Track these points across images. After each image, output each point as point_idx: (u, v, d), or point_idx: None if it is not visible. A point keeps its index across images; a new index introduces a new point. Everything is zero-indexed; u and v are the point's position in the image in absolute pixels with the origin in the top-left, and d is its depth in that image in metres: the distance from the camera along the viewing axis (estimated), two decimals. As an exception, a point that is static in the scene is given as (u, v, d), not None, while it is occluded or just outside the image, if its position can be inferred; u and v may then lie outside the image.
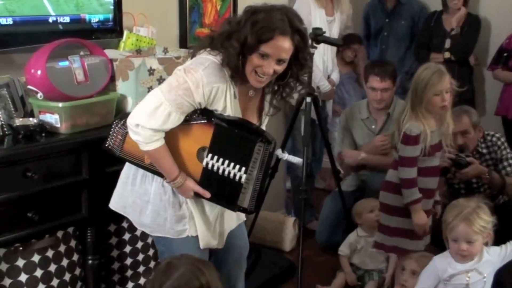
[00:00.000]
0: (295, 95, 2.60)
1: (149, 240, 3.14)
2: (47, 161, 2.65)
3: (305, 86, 2.71)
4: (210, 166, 2.45)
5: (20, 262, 2.65)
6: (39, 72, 2.66)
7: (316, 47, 3.78)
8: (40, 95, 2.70)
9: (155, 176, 2.51)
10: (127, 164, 2.61)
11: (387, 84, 4.02)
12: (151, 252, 3.16)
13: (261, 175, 2.47)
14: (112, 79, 2.94)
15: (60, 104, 2.69)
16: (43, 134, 2.68)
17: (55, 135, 2.72)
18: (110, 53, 3.02)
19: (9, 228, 2.56)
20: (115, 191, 2.65)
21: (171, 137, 2.43)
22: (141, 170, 2.54)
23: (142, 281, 3.15)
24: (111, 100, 2.92)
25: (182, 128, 2.42)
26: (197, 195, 2.49)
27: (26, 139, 2.62)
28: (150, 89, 2.94)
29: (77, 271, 2.90)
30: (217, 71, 2.36)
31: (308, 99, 3.86)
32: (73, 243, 2.86)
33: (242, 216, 2.78)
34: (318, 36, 3.70)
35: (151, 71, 2.95)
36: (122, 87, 2.94)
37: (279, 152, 4.15)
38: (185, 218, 2.52)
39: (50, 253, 2.74)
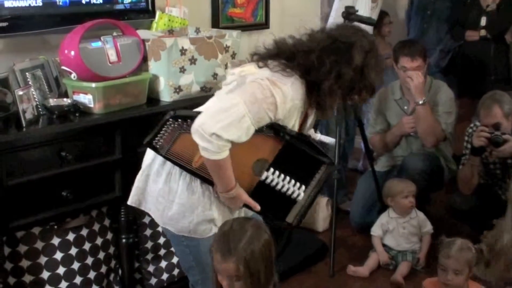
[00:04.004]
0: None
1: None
2: (81, 141, 2.68)
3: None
4: (269, 180, 2.36)
5: (55, 241, 2.69)
6: (72, 53, 2.69)
7: (349, 26, 3.74)
8: (73, 75, 2.72)
9: (182, 174, 2.32)
10: (148, 157, 2.43)
11: (418, 62, 3.96)
12: (184, 231, 3.19)
13: (313, 194, 2.43)
14: (144, 59, 2.95)
15: (93, 85, 2.71)
16: (77, 114, 2.71)
17: (89, 115, 2.74)
18: (142, 33, 3.04)
19: (45, 207, 2.61)
20: (135, 187, 2.44)
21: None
22: (166, 167, 2.34)
23: (175, 259, 3.18)
24: (144, 80, 2.93)
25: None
26: (245, 206, 2.37)
27: (60, 119, 2.66)
28: (182, 69, 2.94)
29: (111, 250, 2.93)
30: (300, 88, 2.28)
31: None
32: (107, 222, 2.90)
33: None
34: (351, 15, 3.66)
35: (183, 51, 2.95)
36: (154, 67, 2.95)
37: (311, 132, 4.14)
38: (213, 219, 2.35)
39: (84, 232, 2.78)
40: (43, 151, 2.56)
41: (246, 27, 4.05)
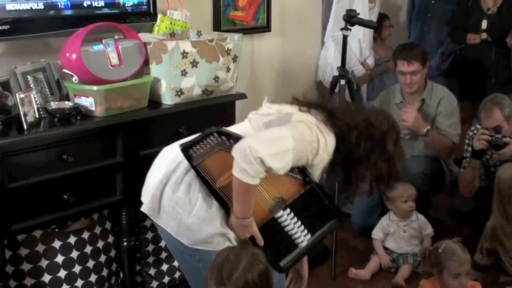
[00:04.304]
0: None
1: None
2: (82, 144, 2.68)
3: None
4: (281, 219, 2.39)
5: (57, 244, 2.70)
6: (74, 56, 2.68)
7: (350, 29, 3.74)
8: (75, 78, 2.72)
9: (202, 187, 2.30)
10: (165, 165, 2.39)
11: (415, 67, 3.96)
12: (185, 234, 3.19)
13: (312, 244, 2.46)
14: (146, 62, 2.95)
15: (94, 88, 2.71)
16: (78, 118, 2.71)
17: (90, 118, 2.74)
18: (144, 36, 3.04)
19: (46, 210, 2.61)
20: (150, 194, 2.39)
21: None
22: (187, 177, 2.32)
23: (176, 263, 3.18)
24: (145, 83, 2.93)
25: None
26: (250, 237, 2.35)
27: (61, 122, 2.65)
28: (183, 72, 2.95)
29: (112, 253, 2.94)
30: (334, 146, 2.34)
31: (342, 82, 3.84)
32: (108, 225, 2.90)
33: None
34: (352, 18, 3.67)
35: (184, 54, 2.95)
36: (155, 70, 2.95)
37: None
38: (228, 233, 2.33)
39: (85, 235, 2.78)
40: (45, 154, 2.57)
41: (247, 30, 4.05)
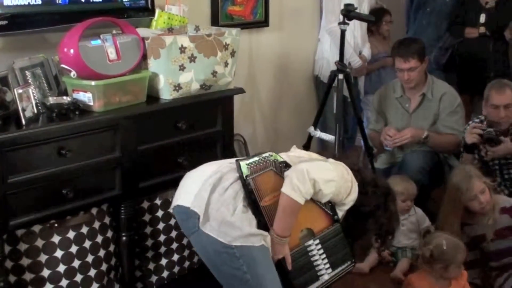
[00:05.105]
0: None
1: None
2: (81, 139, 2.68)
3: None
4: (310, 248, 2.60)
5: (56, 239, 2.70)
6: (72, 51, 2.69)
7: (348, 24, 3.75)
8: (73, 73, 2.72)
9: (244, 196, 2.49)
10: (211, 174, 2.55)
11: (412, 63, 3.95)
12: (184, 229, 3.19)
13: (330, 280, 2.65)
14: (144, 57, 2.95)
15: (93, 83, 2.71)
16: (77, 113, 2.71)
17: (88, 113, 2.74)
18: (142, 31, 3.04)
19: (45, 205, 2.62)
20: (196, 192, 2.51)
21: None
22: (235, 185, 2.50)
23: (175, 257, 3.19)
24: (143, 78, 2.93)
25: (310, 204, 2.54)
26: (278, 262, 2.53)
27: (60, 117, 2.66)
28: (181, 67, 2.95)
29: (111, 248, 2.94)
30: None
31: (340, 76, 3.84)
32: (107, 219, 2.91)
33: None
34: (350, 13, 3.67)
35: (182, 49, 2.95)
36: (153, 65, 2.96)
37: (311, 129, 4.16)
38: (265, 236, 2.48)
39: (84, 230, 2.79)
40: (43, 149, 2.57)
41: (245, 25, 4.06)
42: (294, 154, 2.74)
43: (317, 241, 2.61)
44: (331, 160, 2.66)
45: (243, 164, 2.53)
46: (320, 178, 2.42)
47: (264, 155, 2.62)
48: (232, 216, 2.43)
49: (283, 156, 2.66)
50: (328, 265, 2.63)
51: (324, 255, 2.62)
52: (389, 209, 2.72)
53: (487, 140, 3.63)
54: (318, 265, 2.61)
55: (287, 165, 2.55)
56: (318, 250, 2.61)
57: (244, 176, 2.49)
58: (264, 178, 2.52)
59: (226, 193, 2.48)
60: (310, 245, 2.59)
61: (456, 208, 3.27)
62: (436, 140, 4.01)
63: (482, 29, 4.89)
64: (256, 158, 2.59)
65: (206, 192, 2.49)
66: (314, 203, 2.57)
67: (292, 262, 2.53)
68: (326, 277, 2.62)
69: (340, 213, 2.67)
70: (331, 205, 2.63)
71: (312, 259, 2.59)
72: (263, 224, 2.46)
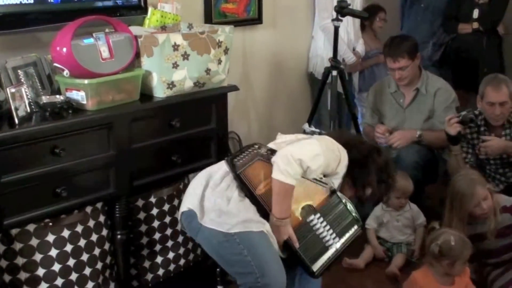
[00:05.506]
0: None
1: (177, 215, 3.17)
2: (74, 137, 2.68)
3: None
4: (313, 223, 2.67)
5: (50, 238, 2.70)
6: (64, 49, 2.68)
7: (341, 20, 3.75)
8: (66, 72, 2.72)
9: (238, 187, 2.61)
10: (205, 174, 2.72)
11: (402, 63, 3.96)
12: (179, 226, 3.18)
13: (340, 250, 2.72)
14: (137, 55, 2.95)
15: (86, 81, 2.71)
16: (70, 111, 2.70)
17: (82, 112, 2.74)
18: (134, 30, 3.03)
19: (39, 204, 2.62)
20: (191, 193, 2.67)
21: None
22: (227, 178, 2.64)
23: (171, 255, 3.19)
24: (137, 76, 2.93)
25: (304, 182, 2.63)
26: (285, 243, 2.60)
27: (53, 116, 2.65)
28: (175, 64, 2.95)
29: (106, 246, 2.94)
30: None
31: (334, 73, 3.85)
32: (101, 218, 2.90)
33: None
34: (344, 9, 3.67)
35: (175, 47, 2.95)
36: (147, 63, 2.95)
37: (305, 126, 4.16)
38: (264, 222, 2.58)
39: (79, 228, 2.78)
40: (36, 148, 2.57)
41: (239, 23, 4.06)
42: (281, 140, 2.82)
43: (318, 215, 2.68)
44: (315, 136, 2.78)
45: (229, 161, 2.63)
46: (305, 156, 2.51)
47: (249, 148, 2.73)
48: (228, 205, 2.55)
49: (271, 145, 2.76)
50: (334, 235, 2.70)
51: (328, 226, 2.69)
52: (382, 153, 2.83)
53: (470, 121, 3.66)
54: (325, 236, 2.68)
55: (273, 152, 2.63)
56: (321, 223, 2.68)
57: (234, 172, 2.59)
58: (253, 169, 2.62)
59: (219, 187, 2.61)
60: (312, 220, 2.67)
61: (460, 214, 3.26)
62: (430, 137, 4.02)
63: (476, 25, 4.90)
64: (242, 153, 2.70)
65: (199, 189, 2.63)
66: (309, 180, 2.65)
67: (298, 239, 2.60)
68: (337, 245, 2.70)
69: (336, 182, 2.74)
70: (325, 178, 2.71)
71: (317, 232, 2.67)
72: (263, 211, 2.57)
